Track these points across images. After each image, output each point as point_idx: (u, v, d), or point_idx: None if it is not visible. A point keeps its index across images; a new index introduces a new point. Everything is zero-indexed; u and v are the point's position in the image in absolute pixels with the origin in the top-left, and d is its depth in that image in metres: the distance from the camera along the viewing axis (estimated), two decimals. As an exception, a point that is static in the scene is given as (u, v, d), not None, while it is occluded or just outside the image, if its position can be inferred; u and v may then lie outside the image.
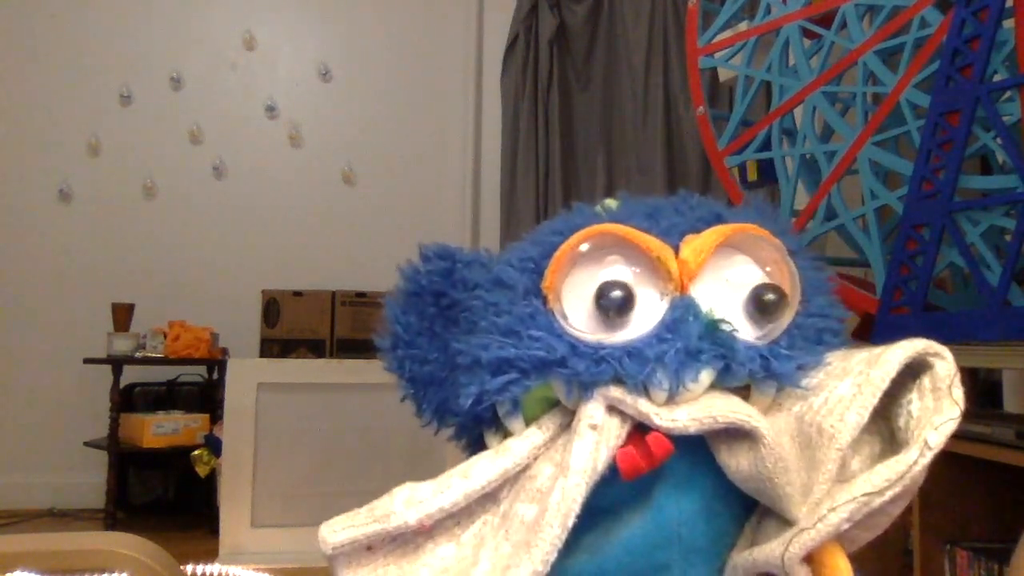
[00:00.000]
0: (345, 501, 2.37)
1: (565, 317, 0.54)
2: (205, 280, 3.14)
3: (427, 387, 0.62)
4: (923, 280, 1.38)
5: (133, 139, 3.17)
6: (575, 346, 0.52)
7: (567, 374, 0.52)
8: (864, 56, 1.54)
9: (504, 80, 3.38)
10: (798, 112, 1.70)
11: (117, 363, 2.64)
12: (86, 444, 2.71)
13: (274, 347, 2.92)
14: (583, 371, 0.52)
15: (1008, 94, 1.38)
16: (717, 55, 1.86)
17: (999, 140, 1.34)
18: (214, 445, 2.50)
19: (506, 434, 0.57)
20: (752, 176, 1.82)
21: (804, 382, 0.53)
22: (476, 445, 0.60)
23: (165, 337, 2.74)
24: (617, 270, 0.55)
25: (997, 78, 1.36)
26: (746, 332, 0.54)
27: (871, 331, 1.48)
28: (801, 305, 0.56)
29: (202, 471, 2.52)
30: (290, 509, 2.29)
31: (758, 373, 0.52)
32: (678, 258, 0.54)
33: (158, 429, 2.60)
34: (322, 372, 2.37)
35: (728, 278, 0.56)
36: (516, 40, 3.33)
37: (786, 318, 0.54)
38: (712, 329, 0.52)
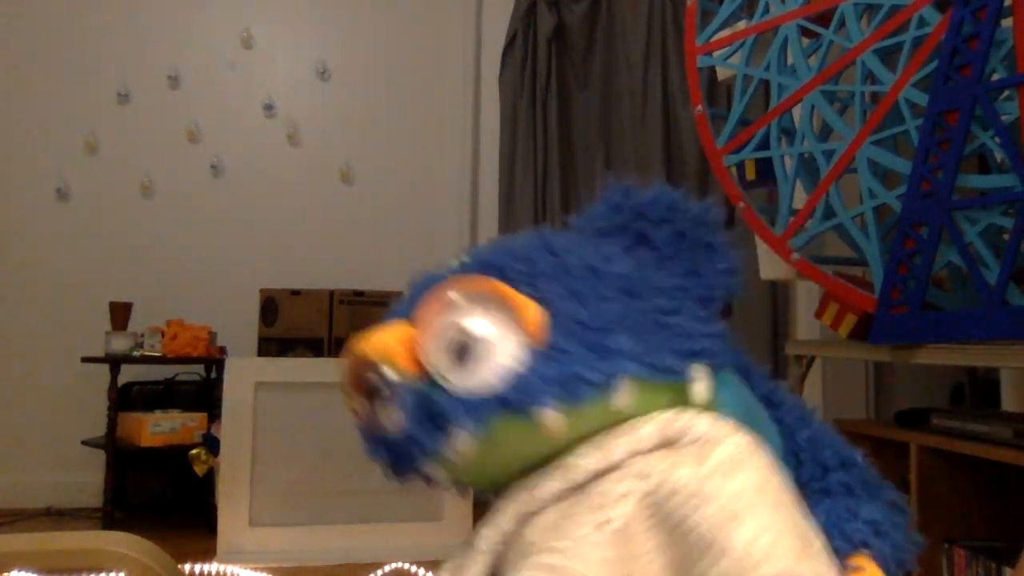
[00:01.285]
0: (343, 500, 2.41)
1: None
2: (203, 279, 3.14)
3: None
4: (921, 279, 1.38)
5: (131, 138, 3.16)
6: (384, 444, 0.61)
7: (398, 465, 0.62)
8: (863, 55, 1.54)
9: (503, 78, 3.38)
10: (796, 111, 1.69)
11: (115, 362, 2.63)
12: (84, 443, 2.71)
13: (272, 346, 2.91)
14: (400, 461, 0.61)
15: (1007, 93, 1.38)
16: (715, 54, 1.86)
17: (997, 139, 1.34)
18: (212, 444, 2.50)
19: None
20: (750, 175, 1.82)
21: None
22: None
23: (163, 336, 2.74)
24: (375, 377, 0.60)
25: (996, 77, 1.36)
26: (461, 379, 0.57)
27: (869, 330, 1.48)
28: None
29: (200, 470, 2.52)
30: (288, 508, 2.29)
31: (490, 412, 0.55)
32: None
33: (156, 428, 2.59)
34: (320, 371, 2.37)
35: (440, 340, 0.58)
36: (515, 39, 3.33)
37: (498, 355, 0.56)
38: (428, 401, 0.56)
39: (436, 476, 0.59)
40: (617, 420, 0.56)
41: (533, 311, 0.57)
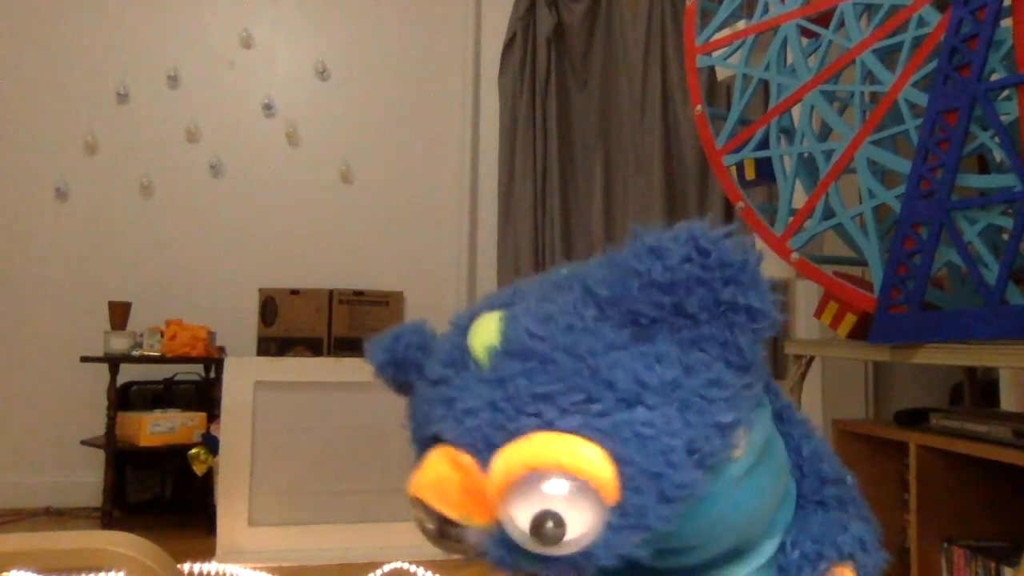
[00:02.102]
0: (343, 500, 2.41)
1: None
2: (202, 278, 3.14)
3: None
4: (921, 279, 1.38)
5: (130, 137, 3.16)
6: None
7: None
8: (862, 55, 1.54)
9: (502, 78, 3.38)
10: (796, 111, 1.70)
11: (114, 361, 2.63)
12: (83, 443, 2.71)
13: (271, 345, 2.91)
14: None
15: (1006, 93, 1.38)
16: (715, 54, 1.86)
17: (997, 139, 1.34)
18: (211, 444, 2.50)
19: None
20: (750, 175, 1.82)
21: None
22: None
23: (162, 335, 2.74)
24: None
25: (995, 77, 1.36)
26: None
27: (869, 330, 1.48)
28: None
29: (199, 470, 2.52)
30: (287, 507, 2.29)
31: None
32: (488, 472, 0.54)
33: (155, 428, 2.59)
34: (319, 370, 2.37)
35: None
36: (514, 38, 3.33)
37: (571, 527, 0.54)
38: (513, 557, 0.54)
39: None
40: None
41: (607, 474, 0.53)
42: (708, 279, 0.53)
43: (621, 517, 0.53)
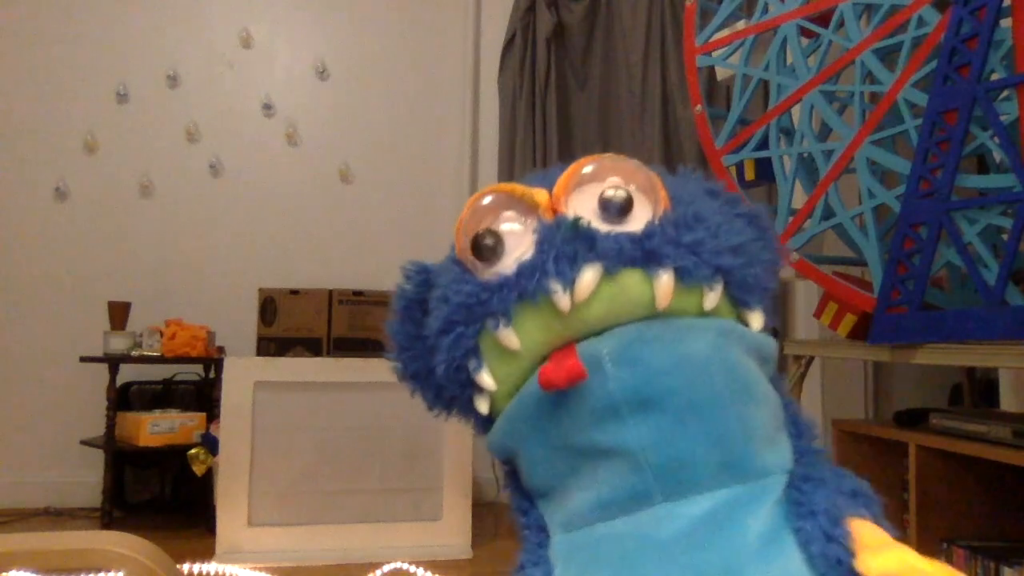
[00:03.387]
0: (342, 500, 2.41)
1: (477, 268, 0.63)
2: (202, 278, 3.14)
3: (424, 380, 0.69)
4: (920, 279, 1.38)
5: (130, 137, 3.16)
6: (483, 284, 0.61)
7: (484, 309, 0.61)
8: (862, 55, 1.54)
9: (501, 78, 3.38)
10: (796, 111, 1.70)
11: (113, 361, 2.63)
12: (82, 443, 2.71)
13: (271, 346, 2.91)
14: (494, 301, 0.60)
15: (1006, 93, 1.38)
16: (715, 54, 1.86)
17: (996, 139, 1.34)
18: (211, 444, 2.50)
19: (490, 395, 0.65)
20: (750, 175, 1.82)
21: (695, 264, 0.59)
22: (470, 413, 0.69)
23: (161, 335, 2.74)
24: (506, 217, 0.64)
25: (995, 77, 1.36)
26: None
27: (868, 330, 1.48)
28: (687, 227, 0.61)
29: (199, 470, 2.52)
30: (287, 508, 2.28)
31: (633, 252, 0.58)
32: (551, 193, 0.63)
33: (154, 428, 2.59)
34: (319, 371, 2.37)
35: (592, 196, 0.62)
36: (513, 38, 3.33)
37: (640, 212, 0.61)
38: (574, 231, 0.58)
39: (508, 340, 0.61)
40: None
41: (665, 191, 0.63)
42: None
43: (675, 228, 0.60)
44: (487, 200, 0.65)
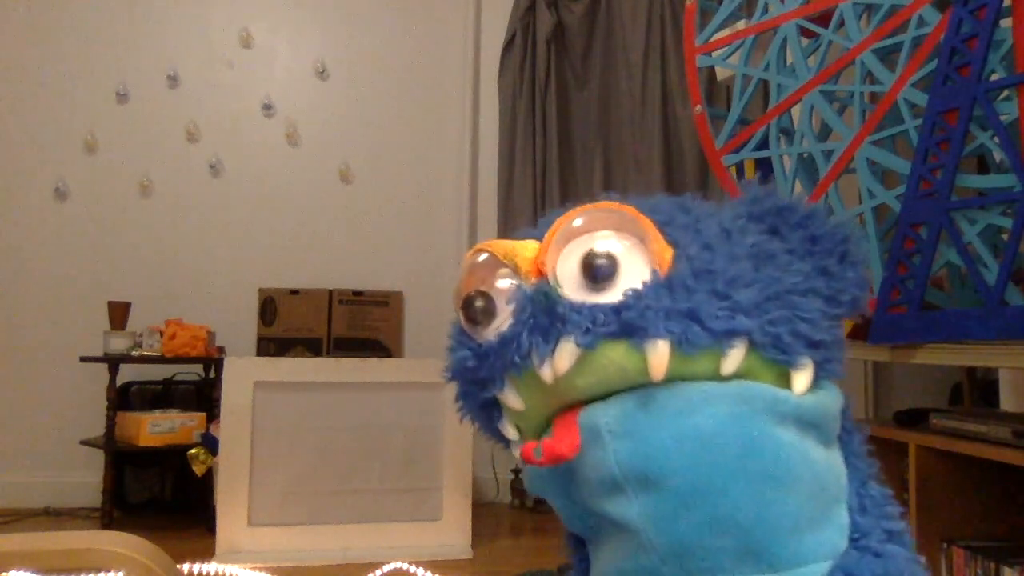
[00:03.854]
0: (342, 500, 2.41)
1: (474, 329, 0.61)
2: (202, 278, 3.14)
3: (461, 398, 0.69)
4: (920, 279, 1.38)
5: (129, 137, 3.16)
6: (473, 351, 0.60)
7: (481, 375, 0.60)
8: (862, 55, 1.54)
9: (501, 79, 3.38)
10: (796, 111, 1.70)
11: (113, 361, 2.63)
12: (82, 443, 2.71)
13: (271, 346, 2.92)
14: (483, 370, 0.59)
15: (1006, 93, 1.38)
16: (715, 54, 1.86)
17: (997, 139, 1.34)
18: (211, 444, 2.50)
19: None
20: (749, 175, 1.82)
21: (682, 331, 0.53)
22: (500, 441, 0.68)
23: (161, 335, 2.74)
24: (502, 274, 0.60)
25: (995, 77, 1.36)
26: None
27: (869, 330, 1.48)
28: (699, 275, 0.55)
29: (199, 470, 2.52)
30: (287, 508, 2.28)
31: (607, 325, 0.53)
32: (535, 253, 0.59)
33: (154, 428, 2.59)
34: (319, 371, 2.37)
35: (575, 256, 0.57)
36: (513, 39, 3.33)
37: (628, 278, 0.55)
38: (545, 302, 0.54)
39: (510, 401, 0.59)
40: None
41: (663, 243, 0.57)
42: (807, 224, 0.62)
43: (668, 292, 0.54)
44: (481, 259, 0.62)
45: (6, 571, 0.73)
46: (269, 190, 3.25)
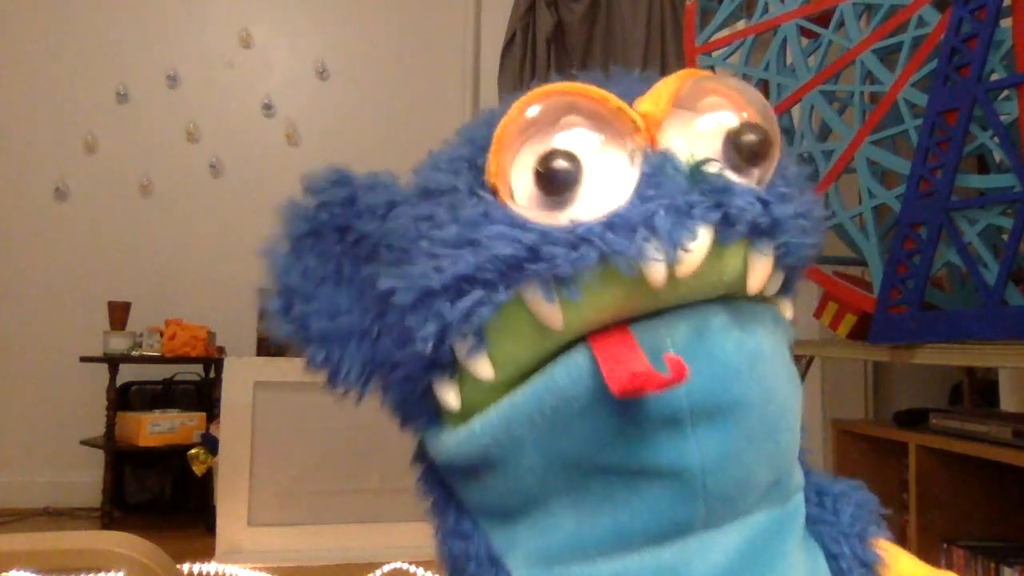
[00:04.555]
0: (343, 500, 2.41)
1: (535, 205, 0.43)
2: (202, 278, 3.14)
3: (345, 343, 0.49)
4: (920, 279, 1.38)
5: (129, 137, 3.16)
6: (546, 233, 0.41)
7: (544, 269, 0.41)
8: (862, 55, 1.54)
9: (502, 78, 3.37)
10: (796, 111, 1.70)
11: (113, 361, 2.63)
12: (82, 443, 2.71)
13: (271, 345, 2.91)
14: (562, 259, 0.40)
15: (1006, 93, 1.38)
16: (715, 54, 1.86)
17: (997, 139, 1.34)
18: (211, 444, 2.50)
19: (463, 381, 0.45)
20: (750, 175, 1.82)
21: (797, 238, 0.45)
22: (414, 403, 0.50)
23: (161, 335, 2.74)
24: (574, 135, 0.44)
25: (995, 77, 1.36)
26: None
27: (868, 330, 1.48)
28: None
29: (199, 470, 2.52)
30: (287, 508, 2.28)
31: (761, 219, 0.43)
32: (639, 112, 0.45)
33: (154, 428, 2.59)
34: (312, 373, 2.37)
35: (700, 127, 0.46)
36: (513, 38, 3.33)
37: (772, 162, 0.45)
38: (698, 175, 0.42)
39: (552, 317, 0.42)
40: None
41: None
42: None
43: (792, 187, 0.46)
44: (555, 102, 0.44)
45: (6, 571, 0.73)
46: (269, 190, 3.25)
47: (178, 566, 0.86)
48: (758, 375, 0.44)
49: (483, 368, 0.44)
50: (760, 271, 0.44)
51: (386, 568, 2.03)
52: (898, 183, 1.48)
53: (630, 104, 0.45)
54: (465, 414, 0.46)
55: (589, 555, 0.45)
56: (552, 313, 0.42)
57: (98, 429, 2.68)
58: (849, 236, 1.61)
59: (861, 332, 1.55)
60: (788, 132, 1.73)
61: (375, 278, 0.48)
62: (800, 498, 0.50)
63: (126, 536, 0.81)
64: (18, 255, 3.05)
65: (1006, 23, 1.34)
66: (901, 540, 1.73)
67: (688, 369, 0.40)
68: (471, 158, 0.46)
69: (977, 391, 2.20)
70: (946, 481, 1.56)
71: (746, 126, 0.44)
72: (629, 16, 3.35)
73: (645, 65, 3.29)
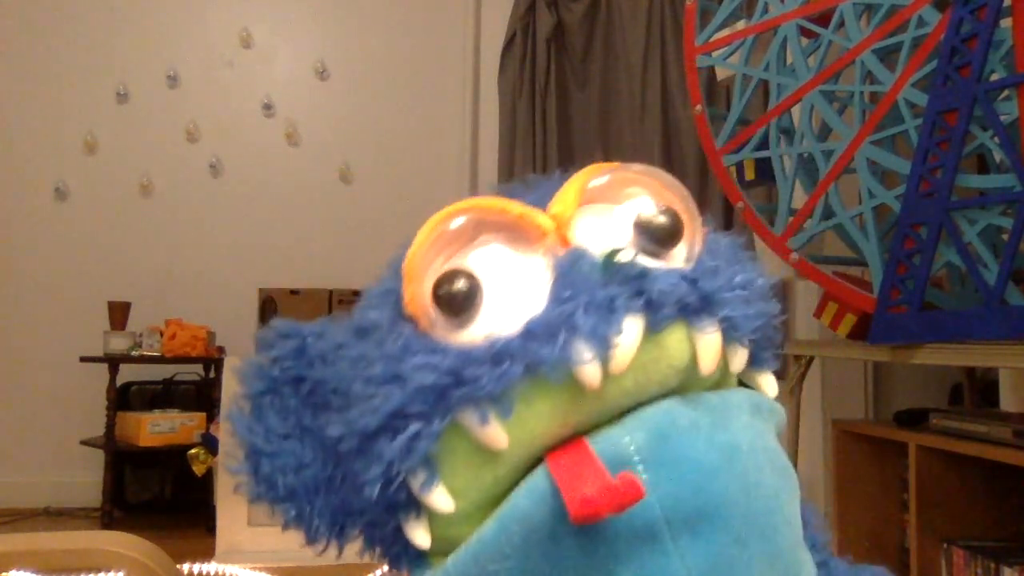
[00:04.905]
0: (342, 500, 2.31)
1: (441, 329, 0.42)
2: (202, 278, 3.14)
3: (313, 497, 0.48)
4: (920, 279, 1.38)
5: (130, 137, 3.16)
6: (466, 354, 0.40)
7: (469, 392, 0.39)
8: (862, 55, 1.54)
9: (501, 79, 3.38)
10: (796, 111, 1.69)
11: (113, 361, 2.63)
12: (82, 443, 2.71)
13: (271, 346, 2.91)
14: (486, 379, 0.39)
15: (1006, 93, 1.38)
16: (715, 54, 1.86)
17: (997, 139, 1.34)
18: (210, 444, 2.50)
19: (432, 517, 0.44)
20: (750, 175, 1.82)
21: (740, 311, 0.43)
22: (394, 545, 0.47)
23: (161, 335, 2.74)
24: (490, 251, 0.44)
25: (995, 77, 1.36)
26: None
27: (868, 330, 1.48)
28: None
29: (199, 470, 2.52)
30: (287, 508, 2.28)
31: (690, 297, 0.41)
32: (550, 215, 0.44)
33: (154, 428, 2.59)
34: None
35: (617, 220, 0.45)
36: (513, 39, 3.33)
37: (691, 242, 0.44)
38: (612, 267, 0.40)
39: (494, 438, 0.40)
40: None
41: (698, 218, 0.47)
42: None
43: (721, 269, 0.44)
44: (458, 222, 0.45)
45: (6, 571, 0.73)
46: (269, 190, 3.25)
47: (178, 566, 0.86)
48: (738, 471, 0.40)
49: (441, 501, 0.42)
50: (708, 350, 0.41)
51: (385, 568, 2.02)
52: (898, 183, 1.48)
53: (545, 208, 0.45)
54: (446, 549, 0.44)
55: None
56: (493, 434, 0.40)
57: (98, 429, 2.68)
58: (849, 236, 1.61)
59: (861, 332, 1.54)
60: (788, 132, 1.73)
61: (327, 426, 0.47)
62: None
63: (126, 536, 0.81)
64: (18, 255, 3.05)
65: (1006, 23, 1.34)
66: (901, 540, 1.74)
67: (644, 481, 0.38)
68: (397, 290, 0.45)
69: (977, 391, 2.20)
70: (946, 481, 1.56)
71: (656, 211, 0.44)
72: (629, 16, 3.34)
73: (645, 65, 3.29)
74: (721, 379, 0.44)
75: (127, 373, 2.83)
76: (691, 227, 0.45)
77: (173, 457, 2.68)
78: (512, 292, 0.42)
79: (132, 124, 3.17)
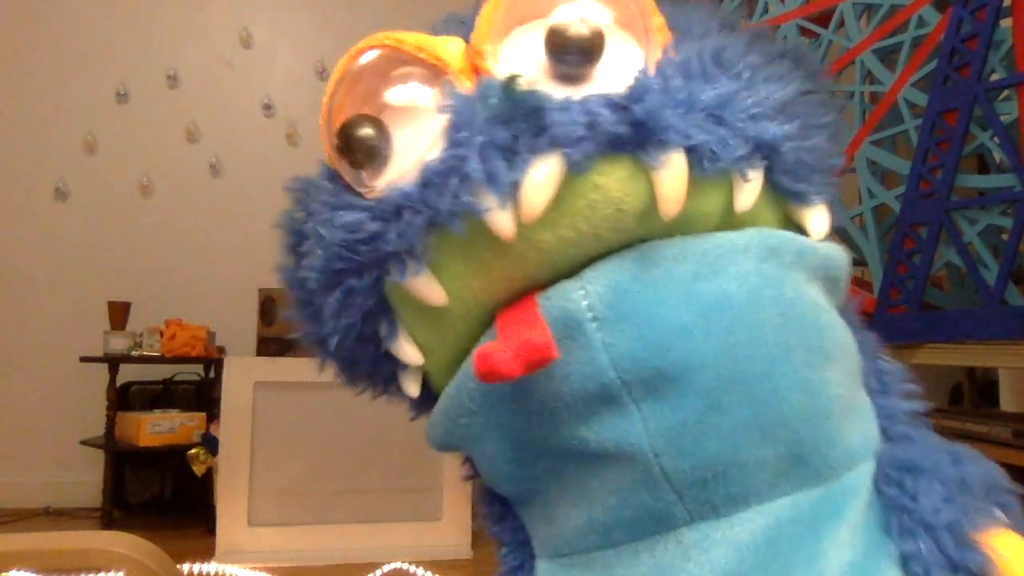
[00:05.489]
0: (343, 500, 2.42)
1: (357, 180, 0.41)
2: (202, 278, 3.14)
3: (328, 349, 0.50)
4: (920, 279, 1.38)
5: (130, 137, 3.16)
6: (371, 208, 0.38)
7: (376, 248, 0.37)
8: (862, 55, 1.54)
9: (501, 78, 3.38)
10: (796, 111, 1.69)
11: (113, 361, 2.63)
12: (82, 443, 2.71)
13: (271, 346, 2.91)
14: (391, 235, 0.37)
15: (1006, 93, 1.38)
16: (715, 54, 1.86)
17: (996, 139, 1.34)
18: (211, 444, 2.50)
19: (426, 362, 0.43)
20: (750, 175, 1.82)
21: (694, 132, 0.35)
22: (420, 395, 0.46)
23: (161, 335, 2.74)
24: (398, 90, 0.41)
25: (995, 77, 1.36)
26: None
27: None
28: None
29: (199, 470, 2.52)
30: (287, 508, 2.28)
31: (613, 127, 0.34)
32: (468, 43, 0.40)
33: (154, 428, 2.59)
34: (319, 371, 2.37)
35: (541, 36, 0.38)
36: (513, 38, 3.33)
37: (614, 66, 0.37)
38: (508, 100, 0.34)
39: (427, 291, 0.38)
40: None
41: (661, 20, 0.38)
42: None
43: (684, 80, 0.35)
44: (365, 59, 0.43)
45: (6, 571, 0.73)
46: (269, 190, 3.25)
47: (178, 566, 0.86)
48: (720, 327, 0.35)
49: (409, 354, 0.42)
50: (665, 188, 0.34)
51: (386, 568, 2.03)
52: (898, 183, 1.48)
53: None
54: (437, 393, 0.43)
55: (584, 547, 0.40)
56: (422, 288, 0.38)
57: (98, 429, 2.68)
58: (849, 236, 1.61)
59: (861, 332, 1.55)
60: (788, 132, 1.73)
61: None
62: (857, 476, 0.39)
63: (126, 536, 0.81)
64: (17, 255, 3.05)
65: (1006, 23, 1.34)
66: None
67: (595, 340, 0.35)
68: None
69: (977, 391, 2.20)
70: (946, 481, 1.56)
71: (562, 27, 0.36)
72: (629, 16, 3.35)
73: (645, 65, 3.29)
74: (725, 220, 0.38)
75: (127, 373, 2.83)
76: (629, 36, 0.38)
77: (173, 457, 2.68)
78: (422, 134, 0.38)
79: (132, 124, 3.17)
